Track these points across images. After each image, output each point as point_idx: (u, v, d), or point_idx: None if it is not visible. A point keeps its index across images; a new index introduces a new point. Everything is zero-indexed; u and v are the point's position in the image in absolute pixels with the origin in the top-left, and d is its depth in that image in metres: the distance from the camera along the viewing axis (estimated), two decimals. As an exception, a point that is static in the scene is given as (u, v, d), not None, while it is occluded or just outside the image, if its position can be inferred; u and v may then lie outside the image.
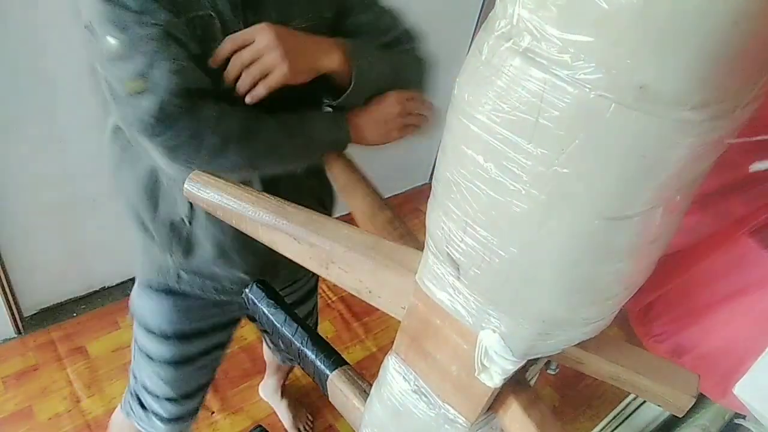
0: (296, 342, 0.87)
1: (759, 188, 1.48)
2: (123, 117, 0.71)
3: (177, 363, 1.02)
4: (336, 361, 0.83)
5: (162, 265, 0.95)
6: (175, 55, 0.66)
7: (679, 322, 1.68)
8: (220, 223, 0.79)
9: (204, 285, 0.97)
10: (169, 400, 1.05)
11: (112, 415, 1.24)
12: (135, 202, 0.88)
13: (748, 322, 1.50)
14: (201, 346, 1.05)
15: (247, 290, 0.92)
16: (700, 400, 1.64)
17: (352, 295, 0.63)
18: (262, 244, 0.66)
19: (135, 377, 1.08)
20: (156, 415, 1.07)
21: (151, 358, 1.02)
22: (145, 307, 1.00)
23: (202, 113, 0.69)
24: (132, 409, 1.11)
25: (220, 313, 1.04)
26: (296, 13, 0.81)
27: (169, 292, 0.98)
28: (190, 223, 0.86)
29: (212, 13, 0.72)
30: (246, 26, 0.75)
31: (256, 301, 0.90)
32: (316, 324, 1.36)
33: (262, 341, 1.84)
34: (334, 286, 2.12)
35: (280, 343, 0.92)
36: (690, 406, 0.50)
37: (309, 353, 0.85)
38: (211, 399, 1.71)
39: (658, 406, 0.52)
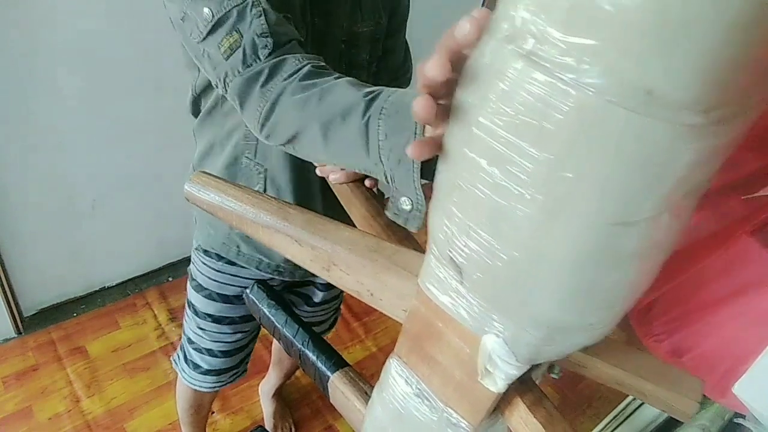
0: (297, 343, 0.87)
1: (759, 188, 1.47)
2: (223, 80, 0.72)
3: (218, 320, 1.15)
4: (337, 362, 0.83)
5: (227, 237, 1.06)
6: (261, 4, 0.70)
7: (679, 321, 1.67)
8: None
9: (260, 262, 1.08)
10: (209, 351, 1.19)
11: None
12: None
13: (748, 322, 1.50)
14: (242, 311, 1.17)
15: (247, 291, 0.92)
16: (700, 399, 1.63)
17: (353, 296, 0.62)
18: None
19: (183, 332, 1.24)
20: (197, 367, 1.22)
21: (196, 312, 1.16)
22: (201, 267, 1.12)
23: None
24: (177, 361, 1.28)
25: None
26: (360, 18, 0.87)
27: (227, 261, 1.09)
28: None
29: (288, 15, 0.75)
30: (314, 29, 0.79)
31: (256, 301, 0.90)
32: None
33: (261, 341, 1.84)
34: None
35: (281, 342, 0.92)
36: (696, 412, 0.50)
37: (310, 354, 0.85)
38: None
39: (663, 411, 0.51)
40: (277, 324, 0.89)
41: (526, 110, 0.35)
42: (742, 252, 1.59)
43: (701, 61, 0.29)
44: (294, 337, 0.88)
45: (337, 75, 0.66)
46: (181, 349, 1.27)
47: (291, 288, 1.29)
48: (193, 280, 1.15)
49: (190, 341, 1.22)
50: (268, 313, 0.90)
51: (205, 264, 1.11)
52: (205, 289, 1.13)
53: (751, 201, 1.50)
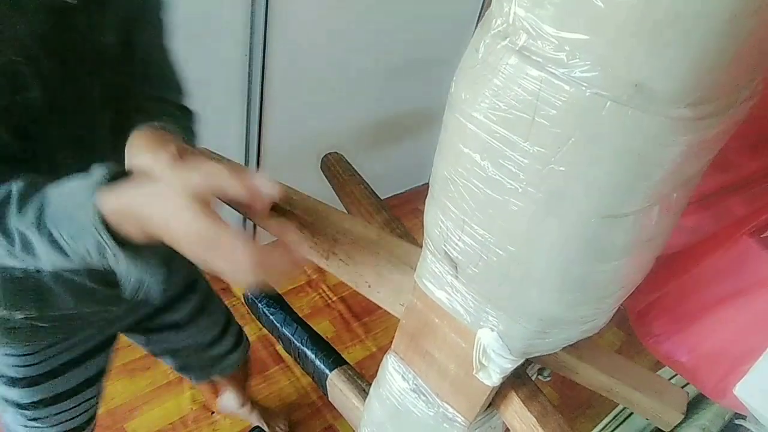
0: (296, 341, 0.87)
1: (759, 188, 1.47)
2: None
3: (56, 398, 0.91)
4: (335, 360, 0.83)
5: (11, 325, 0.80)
6: None
7: (679, 322, 1.67)
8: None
9: (70, 326, 0.85)
10: None
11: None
12: None
13: (748, 323, 1.50)
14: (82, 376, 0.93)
15: (246, 290, 0.93)
16: (700, 400, 1.63)
17: (353, 295, 0.62)
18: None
19: None
20: None
21: (18, 405, 0.90)
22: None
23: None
24: None
25: (93, 335, 0.92)
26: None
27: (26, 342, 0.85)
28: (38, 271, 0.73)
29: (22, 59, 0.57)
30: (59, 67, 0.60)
31: (255, 300, 0.90)
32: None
33: (261, 341, 1.84)
34: (335, 286, 2.12)
35: (280, 341, 0.93)
36: (677, 422, 0.51)
37: (308, 353, 0.86)
38: (211, 399, 1.71)
39: (648, 419, 0.52)
40: (275, 322, 0.89)
41: (518, 104, 0.36)
42: (742, 252, 1.59)
43: (689, 56, 0.30)
44: (293, 336, 0.88)
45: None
46: None
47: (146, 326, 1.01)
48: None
49: None
50: (266, 312, 0.90)
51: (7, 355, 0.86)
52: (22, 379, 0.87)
53: (751, 202, 1.51)
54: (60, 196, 0.51)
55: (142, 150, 0.57)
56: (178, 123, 0.70)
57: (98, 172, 0.51)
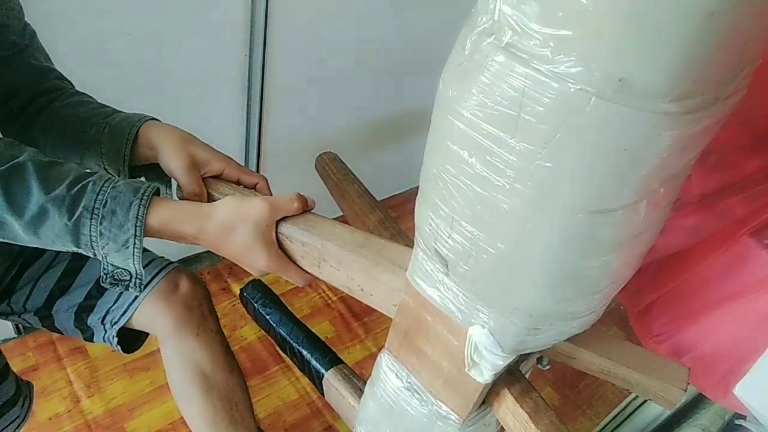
0: (292, 341, 0.87)
1: (759, 188, 1.47)
2: None
3: None
4: (331, 359, 0.84)
5: None
6: None
7: (679, 322, 1.67)
8: None
9: None
10: None
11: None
12: None
13: (748, 323, 1.49)
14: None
15: (242, 289, 0.93)
16: (700, 400, 1.63)
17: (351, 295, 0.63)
18: None
19: None
20: None
21: None
22: None
23: None
24: None
25: None
26: None
27: None
28: None
29: None
30: None
31: (251, 300, 0.91)
32: None
33: (261, 341, 1.84)
34: (334, 286, 2.12)
35: (276, 341, 0.93)
36: (681, 400, 0.50)
37: (305, 352, 0.86)
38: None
39: (649, 399, 0.52)
40: (271, 322, 0.90)
41: (505, 101, 0.36)
42: (742, 253, 1.58)
43: (672, 50, 0.30)
44: (289, 335, 0.88)
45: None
46: None
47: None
48: None
49: None
50: (262, 312, 0.90)
51: None
52: None
53: (751, 202, 1.50)
54: (103, 185, 0.54)
55: (174, 154, 0.65)
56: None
57: (147, 184, 0.57)
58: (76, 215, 0.53)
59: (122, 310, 0.85)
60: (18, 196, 0.52)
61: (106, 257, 0.55)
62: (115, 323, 0.86)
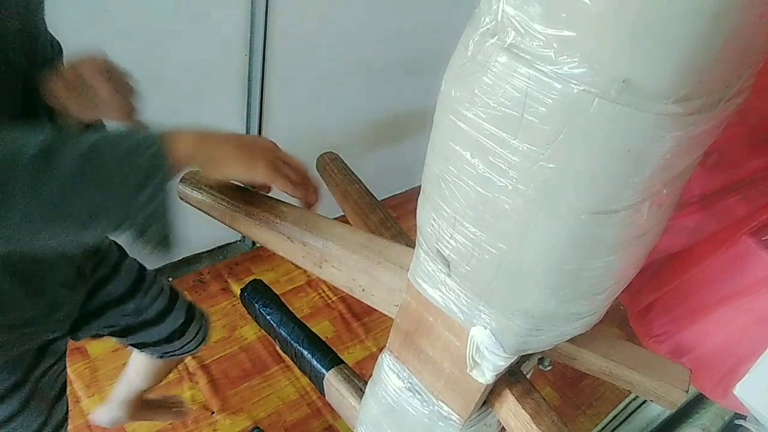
0: (293, 341, 0.87)
1: (759, 188, 1.47)
2: None
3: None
4: (332, 360, 0.83)
5: None
6: None
7: (679, 322, 1.67)
8: None
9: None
10: None
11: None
12: None
13: (748, 323, 1.49)
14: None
15: (242, 289, 0.93)
16: (700, 400, 1.63)
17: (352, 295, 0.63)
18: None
19: None
20: None
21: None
22: None
23: None
24: None
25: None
26: None
27: None
28: None
29: None
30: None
31: (252, 300, 0.90)
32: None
33: (261, 341, 1.84)
34: (334, 286, 2.13)
35: (277, 342, 0.93)
36: (682, 401, 0.50)
37: (305, 352, 0.86)
38: (211, 399, 1.71)
39: (651, 401, 0.52)
40: (272, 322, 0.89)
41: (508, 102, 0.36)
42: (742, 253, 1.59)
43: (676, 52, 0.30)
44: (289, 335, 0.88)
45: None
46: None
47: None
48: None
49: None
50: (263, 312, 0.90)
51: None
52: None
53: (751, 202, 1.50)
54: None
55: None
56: None
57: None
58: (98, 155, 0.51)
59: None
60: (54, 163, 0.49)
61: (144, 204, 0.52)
62: None
